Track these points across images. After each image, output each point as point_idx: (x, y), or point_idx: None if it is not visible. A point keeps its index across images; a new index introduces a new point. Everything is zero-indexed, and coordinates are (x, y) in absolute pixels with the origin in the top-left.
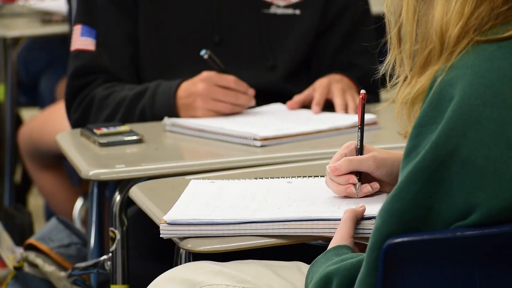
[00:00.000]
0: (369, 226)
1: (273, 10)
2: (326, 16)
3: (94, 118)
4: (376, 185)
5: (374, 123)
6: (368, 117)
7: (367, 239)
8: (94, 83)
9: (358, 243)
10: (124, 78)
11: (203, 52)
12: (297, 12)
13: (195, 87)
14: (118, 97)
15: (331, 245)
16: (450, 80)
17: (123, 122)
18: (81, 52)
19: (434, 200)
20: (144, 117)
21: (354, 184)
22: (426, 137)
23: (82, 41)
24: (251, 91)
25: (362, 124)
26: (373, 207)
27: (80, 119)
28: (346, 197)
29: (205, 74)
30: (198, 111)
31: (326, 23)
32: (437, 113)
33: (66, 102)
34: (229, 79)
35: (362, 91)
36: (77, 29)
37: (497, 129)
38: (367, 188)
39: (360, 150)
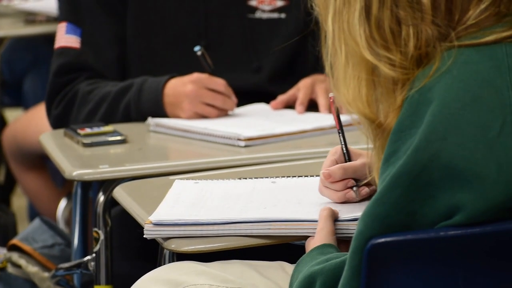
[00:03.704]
0: (352, 227)
1: (258, 14)
2: (310, 18)
3: (77, 113)
4: (373, 187)
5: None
6: (345, 118)
7: (349, 240)
8: (78, 79)
9: (340, 240)
10: (109, 77)
11: (197, 48)
12: (283, 16)
13: (184, 87)
14: (102, 92)
15: (315, 243)
16: (428, 84)
17: (106, 117)
18: (65, 49)
19: (417, 204)
20: (128, 113)
21: (352, 188)
22: (406, 142)
23: (66, 38)
24: (234, 97)
25: (340, 127)
26: (357, 208)
27: (61, 115)
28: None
29: (195, 75)
30: (184, 112)
31: (311, 25)
32: (416, 118)
33: (47, 98)
34: (220, 83)
35: (331, 95)
36: (62, 27)
37: (478, 132)
38: (365, 190)
39: (347, 155)
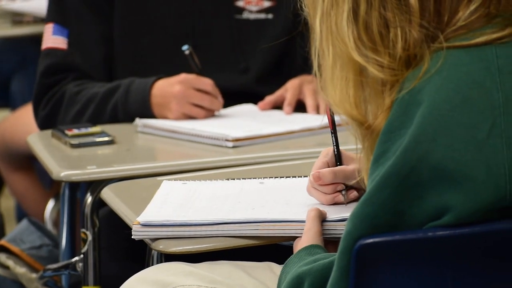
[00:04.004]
0: (340, 227)
1: (245, 15)
2: (298, 18)
3: (64, 114)
4: (362, 191)
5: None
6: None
7: (337, 240)
8: (65, 80)
9: (327, 240)
10: (96, 78)
11: (185, 47)
12: (270, 16)
13: (171, 88)
14: (89, 93)
15: (302, 244)
16: (418, 85)
17: (94, 118)
18: (52, 50)
19: (405, 205)
20: (116, 114)
21: (341, 191)
22: (396, 142)
23: (53, 39)
24: (221, 97)
25: (334, 129)
26: (345, 209)
27: (49, 115)
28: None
29: (183, 76)
30: (171, 113)
31: (298, 26)
32: (405, 118)
33: (34, 99)
34: (207, 83)
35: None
36: (49, 27)
37: (467, 133)
38: (353, 193)
39: (338, 157)
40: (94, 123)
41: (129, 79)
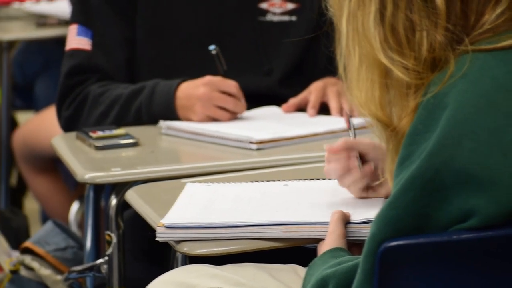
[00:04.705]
0: (364, 230)
1: (269, 17)
2: (321, 20)
3: (87, 115)
4: (379, 172)
5: (364, 127)
6: (358, 121)
7: (361, 243)
8: (88, 81)
9: (351, 243)
10: (119, 79)
11: (212, 47)
12: (293, 18)
13: (196, 90)
14: (113, 95)
15: (326, 246)
16: (444, 89)
17: (118, 119)
18: (76, 51)
19: (430, 208)
20: (140, 115)
21: (356, 158)
22: (421, 146)
23: (77, 40)
24: (244, 100)
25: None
26: (369, 211)
27: (72, 116)
28: (344, 200)
29: (207, 78)
30: (196, 115)
31: (322, 28)
32: (431, 122)
33: (58, 100)
34: (232, 85)
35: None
36: (73, 28)
37: (492, 137)
38: (369, 167)
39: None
40: (118, 124)
41: (153, 81)
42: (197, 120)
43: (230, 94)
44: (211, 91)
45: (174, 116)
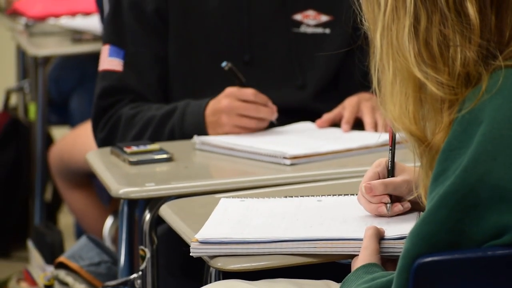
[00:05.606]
0: (398, 246)
1: (303, 29)
2: (356, 34)
3: (121, 137)
4: (407, 205)
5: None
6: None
7: (395, 258)
8: (121, 103)
9: (386, 259)
10: (151, 99)
11: (223, 64)
12: (327, 31)
13: (219, 103)
14: (146, 116)
15: (360, 262)
16: (479, 105)
17: (152, 141)
18: (108, 73)
19: (464, 224)
20: (173, 137)
21: (386, 204)
22: (455, 161)
23: (109, 61)
24: (272, 104)
25: (393, 145)
26: (403, 227)
27: (107, 138)
28: (376, 215)
29: (227, 90)
30: (224, 128)
31: (356, 42)
32: (466, 137)
33: (92, 121)
34: (248, 92)
35: None
36: (105, 49)
37: None
38: (398, 207)
39: (391, 172)
40: None
41: (184, 101)
42: (226, 132)
43: (250, 102)
44: (232, 101)
45: (205, 135)
